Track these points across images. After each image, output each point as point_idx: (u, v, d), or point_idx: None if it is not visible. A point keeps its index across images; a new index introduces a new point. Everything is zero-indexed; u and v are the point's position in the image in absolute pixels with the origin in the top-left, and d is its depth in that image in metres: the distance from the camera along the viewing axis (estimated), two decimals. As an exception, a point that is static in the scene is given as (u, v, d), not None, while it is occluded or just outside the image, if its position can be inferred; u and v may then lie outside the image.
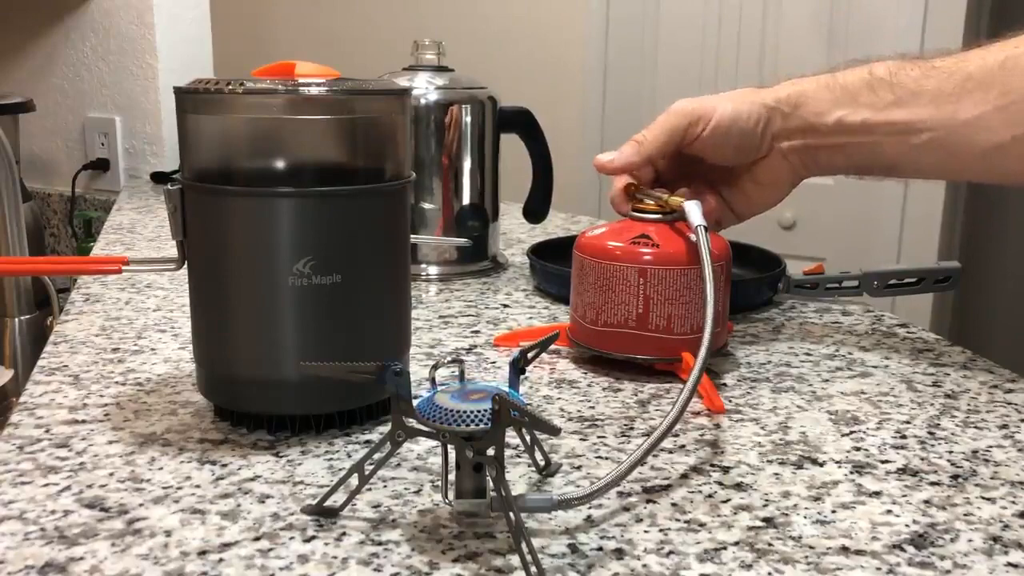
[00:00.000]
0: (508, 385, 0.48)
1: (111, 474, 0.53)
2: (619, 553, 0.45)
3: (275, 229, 0.54)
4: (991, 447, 0.58)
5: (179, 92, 0.57)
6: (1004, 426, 0.62)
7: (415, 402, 0.45)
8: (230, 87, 0.54)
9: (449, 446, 0.45)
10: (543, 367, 0.72)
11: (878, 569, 0.44)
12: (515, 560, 0.44)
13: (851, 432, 0.60)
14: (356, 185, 0.56)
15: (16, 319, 1.11)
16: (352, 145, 0.57)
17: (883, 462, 0.56)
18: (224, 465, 0.54)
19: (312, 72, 0.56)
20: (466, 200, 1.03)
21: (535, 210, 1.08)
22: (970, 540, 0.47)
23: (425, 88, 1.00)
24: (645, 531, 0.47)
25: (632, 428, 0.60)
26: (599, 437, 0.59)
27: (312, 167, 0.56)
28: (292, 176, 0.55)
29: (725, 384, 0.69)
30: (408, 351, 0.63)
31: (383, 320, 0.59)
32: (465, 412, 0.43)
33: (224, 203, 0.55)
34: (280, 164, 0.55)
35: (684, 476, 0.54)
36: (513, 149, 1.08)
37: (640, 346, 0.69)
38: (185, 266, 0.59)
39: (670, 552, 0.45)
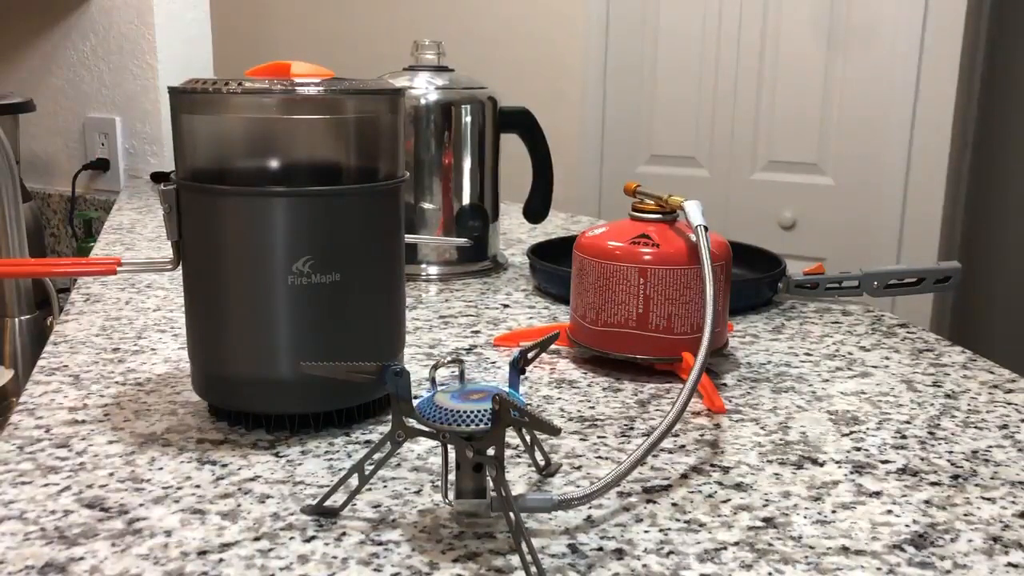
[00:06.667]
0: (508, 385, 0.48)
1: (111, 474, 0.52)
2: (619, 553, 0.45)
3: (274, 228, 0.54)
4: (991, 447, 0.58)
5: (174, 92, 0.56)
6: (1004, 426, 0.62)
7: (415, 402, 0.45)
8: (226, 87, 0.54)
9: (449, 446, 0.45)
10: (543, 367, 0.72)
11: (878, 569, 0.44)
12: (515, 560, 0.44)
13: (851, 432, 0.60)
14: (350, 184, 0.56)
15: (16, 319, 1.11)
16: (346, 144, 0.57)
17: (883, 462, 0.56)
18: (224, 465, 0.54)
19: (307, 72, 0.56)
20: (466, 200, 1.03)
21: (535, 210, 1.08)
22: (970, 540, 0.47)
23: (425, 88, 1.00)
24: (645, 531, 0.47)
25: (632, 428, 0.60)
26: (599, 437, 0.59)
27: (307, 166, 0.56)
28: (286, 175, 0.55)
29: (725, 384, 0.69)
30: (403, 348, 0.63)
31: (381, 318, 0.59)
32: (465, 412, 0.43)
33: (222, 203, 0.55)
34: (275, 164, 0.55)
35: (684, 476, 0.54)
36: (513, 149, 1.08)
37: (640, 346, 0.69)
38: (180, 267, 0.59)
39: (670, 552, 0.45)
